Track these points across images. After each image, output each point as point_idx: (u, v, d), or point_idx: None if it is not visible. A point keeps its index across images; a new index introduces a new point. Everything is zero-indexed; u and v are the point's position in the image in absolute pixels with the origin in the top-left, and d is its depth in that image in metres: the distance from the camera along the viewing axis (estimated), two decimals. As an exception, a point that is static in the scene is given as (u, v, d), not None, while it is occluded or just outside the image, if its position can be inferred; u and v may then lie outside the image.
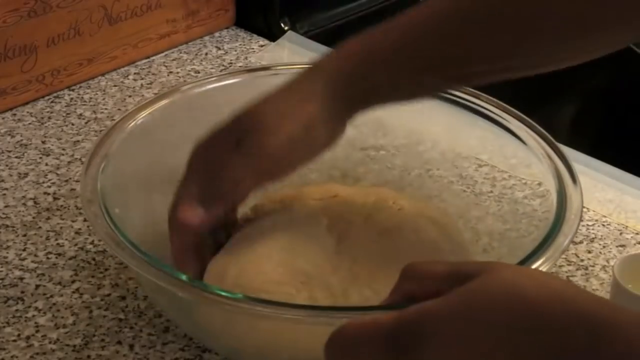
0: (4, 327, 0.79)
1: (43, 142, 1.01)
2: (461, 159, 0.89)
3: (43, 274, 0.84)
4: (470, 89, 0.84)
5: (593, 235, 0.91)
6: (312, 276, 0.73)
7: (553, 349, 0.50)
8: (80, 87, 1.11)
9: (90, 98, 1.09)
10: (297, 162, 0.76)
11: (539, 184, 0.81)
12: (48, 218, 0.90)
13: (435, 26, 0.74)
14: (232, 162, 0.74)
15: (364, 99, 0.75)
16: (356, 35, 0.75)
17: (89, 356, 0.76)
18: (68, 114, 1.06)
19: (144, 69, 1.14)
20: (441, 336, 0.52)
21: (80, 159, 0.98)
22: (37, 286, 0.83)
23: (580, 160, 0.93)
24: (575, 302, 0.51)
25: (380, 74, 0.74)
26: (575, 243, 0.89)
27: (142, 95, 1.09)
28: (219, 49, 1.19)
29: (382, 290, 0.63)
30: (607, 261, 0.87)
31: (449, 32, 0.73)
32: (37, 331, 0.78)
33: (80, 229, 0.89)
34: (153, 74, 1.13)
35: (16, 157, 0.99)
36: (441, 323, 0.52)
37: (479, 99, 0.83)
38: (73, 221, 0.90)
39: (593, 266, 0.86)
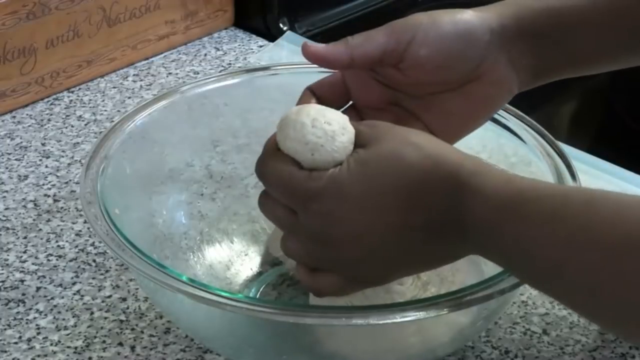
0: (5, 329, 0.79)
1: (43, 144, 1.01)
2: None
3: (44, 276, 0.84)
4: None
5: (593, 233, 0.90)
6: None
7: (425, 206, 0.63)
8: (80, 89, 1.11)
9: (90, 100, 1.09)
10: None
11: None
12: (48, 220, 0.90)
13: None
14: None
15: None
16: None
17: (90, 358, 0.76)
18: (67, 115, 1.06)
19: (143, 70, 1.14)
20: (342, 195, 0.64)
21: (80, 161, 0.98)
22: (38, 288, 0.83)
23: (579, 159, 0.93)
24: (445, 164, 0.63)
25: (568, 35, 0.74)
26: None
27: (142, 97, 1.09)
28: (218, 49, 1.19)
29: None
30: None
31: None
32: (38, 333, 0.78)
33: (80, 230, 0.89)
34: (152, 75, 1.13)
35: (16, 160, 0.99)
36: (344, 186, 0.64)
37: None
38: (73, 223, 0.90)
39: (593, 264, 0.86)
